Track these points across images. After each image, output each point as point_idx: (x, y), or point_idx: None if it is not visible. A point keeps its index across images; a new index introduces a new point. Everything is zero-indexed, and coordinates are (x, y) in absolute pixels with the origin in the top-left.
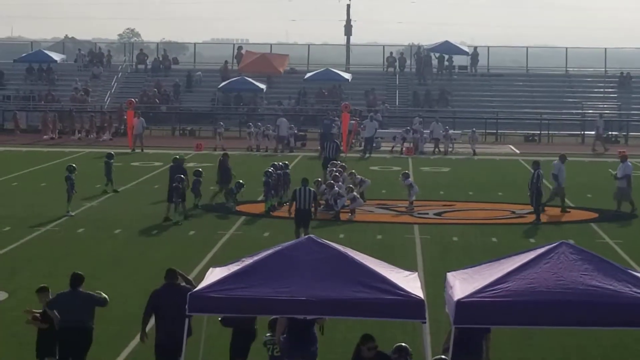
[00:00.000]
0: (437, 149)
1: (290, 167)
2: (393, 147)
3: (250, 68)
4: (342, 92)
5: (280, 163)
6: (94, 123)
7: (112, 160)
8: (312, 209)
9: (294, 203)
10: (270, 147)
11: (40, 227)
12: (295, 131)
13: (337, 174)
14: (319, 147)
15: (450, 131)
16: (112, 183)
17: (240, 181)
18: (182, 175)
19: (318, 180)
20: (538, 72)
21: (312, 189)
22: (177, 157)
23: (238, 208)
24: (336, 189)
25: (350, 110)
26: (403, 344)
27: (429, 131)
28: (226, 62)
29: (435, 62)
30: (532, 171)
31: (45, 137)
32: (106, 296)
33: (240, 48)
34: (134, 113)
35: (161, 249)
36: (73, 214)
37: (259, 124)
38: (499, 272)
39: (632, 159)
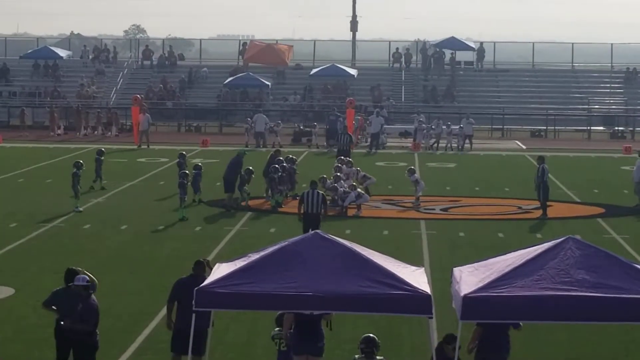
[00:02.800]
0: (462, 146)
1: (297, 163)
2: (447, 145)
3: (256, 59)
4: (348, 87)
5: (288, 157)
6: (100, 119)
7: (102, 157)
8: (322, 212)
9: (302, 206)
10: (251, 143)
11: (47, 224)
12: (273, 126)
13: (338, 173)
14: (325, 143)
15: (452, 127)
16: (101, 180)
17: (250, 168)
18: (185, 171)
19: (323, 177)
20: (544, 68)
21: (320, 192)
22: (241, 151)
23: (243, 203)
24: (341, 189)
25: (354, 106)
26: (371, 335)
27: (458, 127)
28: (240, 57)
29: (446, 58)
30: (537, 166)
31: (52, 133)
32: (94, 278)
33: (245, 44)
34: (140, 109)
35: (167, 245)
36: (82, 209)
37: (249, 119)
38: (505, 267)
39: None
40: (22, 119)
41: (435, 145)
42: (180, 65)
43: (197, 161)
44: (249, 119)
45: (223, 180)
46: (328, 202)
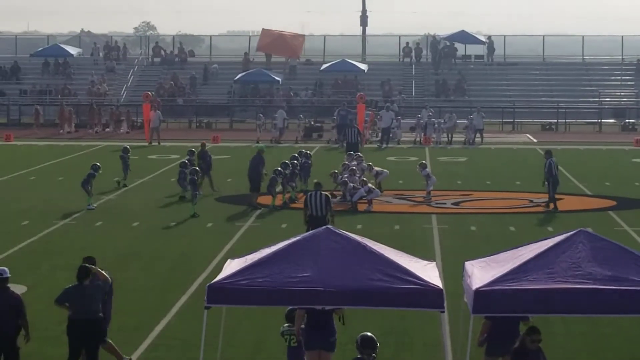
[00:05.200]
0: (473, 140)
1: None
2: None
3: (269, 49)
4: (359, 82)
5: (301, 151)
6: (111, 117)
7: (128, 154)
8: (328, 216)
9: (307, 210)
10: (263, 139)
11: (59, 221)
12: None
13: (354, 167)
14: (336, 138)
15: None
16: (126, 177)
17: (279, 168)
18: (195, 168)
19: (334, 172)
20: (555, 61)
21: (325, 193)
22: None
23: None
24: (350, 185)
25: (365, 100)
26: (369, 334)
27: (467, 121)
28: (246, 53)
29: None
30: (545, 160)
31: (61, 131)
32: (107, 275)
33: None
34: (151, 106)
35: (179, 241)
36: (95, 205)
37: (260, 115)
38: (517, 260)
39: None
40: (36, 117)
41: (447, 139)
42: (191, 62)
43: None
44: (260, 114)
45: (248, 180)
46: (339, 197)
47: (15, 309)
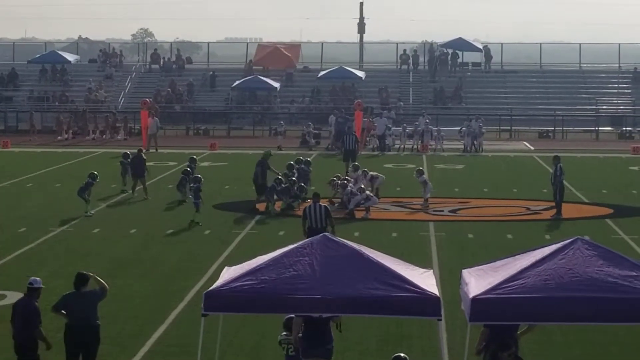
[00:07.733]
0: (473, 147)
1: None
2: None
3: (265, 63)
4: (356, 90)
5: (299, 158)
6: (108, 123)
7: (128, 160)
8: (329, 228)
9: (306, 221)
10: (284, 146)
11: (56, 228)
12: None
13: (344, 181)
14: (332, 145)
15: (464, 128)
16: (125, 183)
17: (303, 184)
18: (198, 175)
19: (333, 180)
20: (552, 69)
21: (324, 205)
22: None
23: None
24: (349, 189)
25: (362, 108)
26: (402, 355)
27: (464, 128)
28: (251, 61)
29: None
30: (554, 166)
31: (59, 137)
32: (104, 283)
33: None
34: (149, 113)
35: (177, 249)
36: (93, 212)
37: (281, 122)
38: (514, 268)
39: None
40: (31, 123)
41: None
42: (189, 69)
43: (207, 165)
44: (281, 122)
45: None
46: (337, 204)
47: (29, 319)
